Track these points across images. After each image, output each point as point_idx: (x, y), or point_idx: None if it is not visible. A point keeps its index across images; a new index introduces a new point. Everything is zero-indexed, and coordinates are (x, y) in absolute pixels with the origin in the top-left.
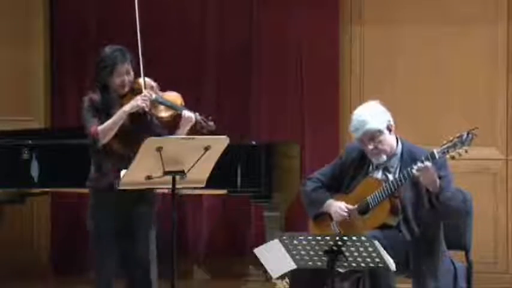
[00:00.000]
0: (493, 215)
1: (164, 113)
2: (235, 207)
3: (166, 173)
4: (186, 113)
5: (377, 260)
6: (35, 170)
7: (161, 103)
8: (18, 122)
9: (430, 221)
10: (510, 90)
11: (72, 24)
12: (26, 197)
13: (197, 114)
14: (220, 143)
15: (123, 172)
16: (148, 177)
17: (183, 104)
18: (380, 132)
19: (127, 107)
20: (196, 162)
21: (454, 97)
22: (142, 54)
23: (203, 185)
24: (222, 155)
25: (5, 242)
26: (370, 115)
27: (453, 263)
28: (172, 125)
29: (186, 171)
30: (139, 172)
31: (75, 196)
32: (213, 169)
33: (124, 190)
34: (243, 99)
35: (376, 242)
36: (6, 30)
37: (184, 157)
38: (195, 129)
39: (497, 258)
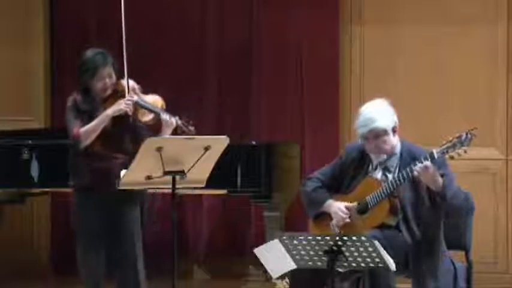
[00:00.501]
0: (493, 215)
1: (146, 117)
2: (235, 207)
3: (166, 173)
4: (166, 117)
5: (377, 260)
6: (35, 170)
7: (142, 106)
8: (18, 122)
9: (431, 221)
10: (510, 90)
11: (72, 24)
12: (26, 197)
13: (177, 118)
14: (220, 143)
15: (123, 172)
16: (148, 177)
17: (164, 107)
18: (385, 132)
19: (110, 111)
20: (196, 162)
21: (454, 97)
22: (143, 55)
23: (203, 185)
24: (222, 155)
25: (5, 242)
26: (379, 113)
27: (453, 263)
28: (155, 129)
29: (186, 171)
30: (139, 172)
31: None
32: (213, 169)
33: (105, 189)
34: (243, 99)
35: (376, 242)
36: (6, 30)
37: (184, 157)
38: (176, 133)
39: (497, 258)
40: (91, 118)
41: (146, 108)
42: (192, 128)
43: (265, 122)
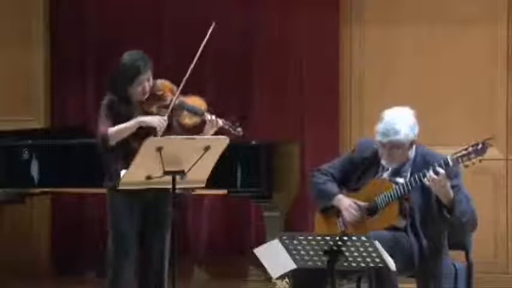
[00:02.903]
0: (493, 215)
1: (189, 119)
2: (235, 207)
3: (166, 173)
4: (211, 117)
5: (377, 260)
6: (35, 170)
7: (186, 109)
8: (18, 122)
9: (437, 228)
10: (510, 90)
11: (72, 24)
12: (26, 197)
13: (223, 120)
14: (220, 143)
15: (123, 172)
16: (149, 177)
17: (207, 108)
18: (402, 145)
19: (144, 120)
20: (196, 162)
21: (454, 97)
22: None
23: (203, 185)
24: (222, 155)
25: (5, 242)
26: (403, 126)
27: (453, 263)
28: (195, 131)
29: (186, 171)
30: (139, 172)
31: (75, 196)
32: (213, 169)
33: (148, 190)
34: (243, 99)
35: (376, 242)
36: (6, 31)
37: (184, 157)
38: (221, 134)
39: (497, 258)
40: (127, 120)
41: (190, 110)
42: (239, 130)
43: (265, 122)
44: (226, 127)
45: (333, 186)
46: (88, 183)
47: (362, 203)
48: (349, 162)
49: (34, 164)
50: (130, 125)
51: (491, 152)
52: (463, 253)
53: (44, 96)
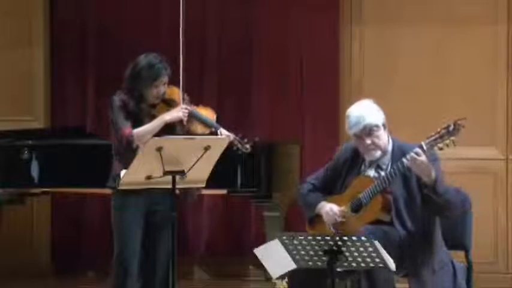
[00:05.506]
0: (493, 215)
1: (200, 129)
2: (235, 207)
3: (166, 173)
4: (223, 132)
5: (377, 260)
6: (35, 170)
7: (199, 119)
8: (19, 122)
9: (424, 217)
10: (510, 90)
11: (72, 24)
12: (26, 197)
13: (233, 134)
14: (220, 143)
15: (123, 172)
16: (149, 177)
17: (215, 119)
18: (378, 127)
19: (167, 116)
20: (196, 162)
21: (454, 97)
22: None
23: (203, 185)
24: (222, 155)
25: (5, 242)
26: (367, 111)
27: (453, 263)
28: None
29: (186, 171)
30: (139, 172)
31: (75, 196)
32: (213, 169)
33: (153, 189)
34: (243, 99)
35: (376, 242)
36: (6, 31)
37: (184, 157)
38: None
39: (497, 258)
40: (138, 121)
41: (203, 122)
42: (247, 146)
43: (265, 122)
44: (236, 142)
45: (315, 196)
46: (88, 183)
47: (341, 208)
48: (332, 169)
49: (34, 164)
50: (155, 125)
51: (491, 152)
52: (463, 253)
53: (44, 96)
